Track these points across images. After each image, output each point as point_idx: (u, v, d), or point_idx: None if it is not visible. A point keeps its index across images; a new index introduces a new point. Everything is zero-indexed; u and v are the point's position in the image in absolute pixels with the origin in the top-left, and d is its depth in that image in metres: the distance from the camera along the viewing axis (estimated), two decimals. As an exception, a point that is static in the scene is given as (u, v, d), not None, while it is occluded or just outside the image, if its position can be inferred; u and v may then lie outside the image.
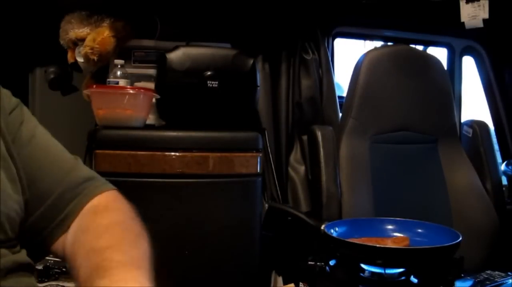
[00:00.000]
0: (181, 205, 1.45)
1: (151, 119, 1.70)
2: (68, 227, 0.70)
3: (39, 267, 1.52)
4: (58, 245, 0.71)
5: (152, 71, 1.82)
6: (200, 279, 1.47)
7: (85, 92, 1.65)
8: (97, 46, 1.73)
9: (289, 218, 1.50)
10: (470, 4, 1.75)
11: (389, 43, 2.33)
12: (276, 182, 1.88)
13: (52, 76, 1.98)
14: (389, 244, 1.16)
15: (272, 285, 1.73)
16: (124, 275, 0.57)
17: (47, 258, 1.56)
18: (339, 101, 2.10)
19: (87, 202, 0.71)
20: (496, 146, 2.08)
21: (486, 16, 1.73)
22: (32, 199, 0.69)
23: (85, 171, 0.75)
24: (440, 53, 2.33)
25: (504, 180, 1.99)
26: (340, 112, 2.06)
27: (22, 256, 0.66)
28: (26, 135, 0.70)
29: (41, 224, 0.70)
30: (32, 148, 0.70)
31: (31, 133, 0.72)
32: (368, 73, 1.73)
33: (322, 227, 1.22)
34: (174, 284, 1.50)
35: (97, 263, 0.60)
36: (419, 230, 1.25)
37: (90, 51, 1.73)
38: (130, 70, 1.77)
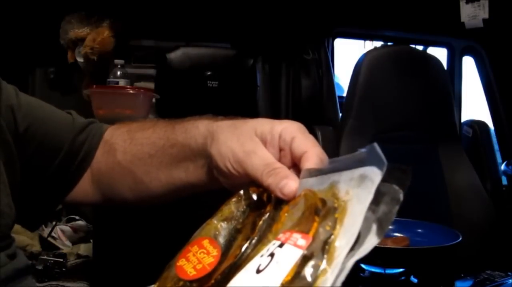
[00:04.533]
0: (181, 204, 1.45)
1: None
2: (91, 160, 0.71)
3: (39, 267, 1.52)
4: (82, 183, 0.72)
5: (152, 71, 1.82)
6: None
7: (85, 92, 1.65)
8: (97, 46, 1.74)
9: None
10: (470, 4, 1.75)
11: (389, 43, 2.34)
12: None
13: (52, 76, 1.98)
14: (389, 244, 1.16)
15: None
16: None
17: (47, 257, 1.57)
18: (339, 101, 2.10)
19: (101, 135, 0.73)
20: (496, 146, 2.08)
21: (486, 16, 1.73)
22: (44, 155, 0.69)
23: (83, 118, 0.76)
24: (440, 53, 2.33)
25: (504, 180, 1.99)
26: (340, 112, 2.06)
27: (20, 260, 0.66)
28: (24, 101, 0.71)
29: (60, 173, 0.70)
30: (33, 109, 0.71)
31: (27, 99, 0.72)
32: (368, 73, 1.73)
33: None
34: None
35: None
36: (419, 230, 1.24)
37: (90, 51, 1.74)
38: (130, 70, 1.77)
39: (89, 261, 1.62)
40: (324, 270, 0.36)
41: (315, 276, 0.36)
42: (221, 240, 0.47)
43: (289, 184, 0.47)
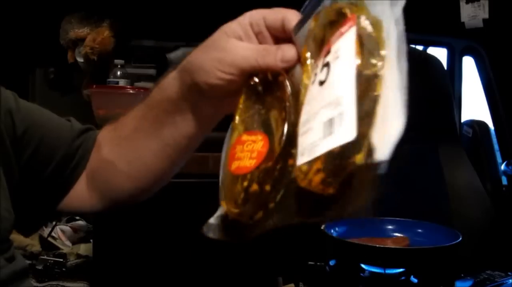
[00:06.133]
0: (180, 205, 1.45)
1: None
2: (86, 163, 0.72)
3: (39, 267, 1.52)
4: (79, 185, 0.72)
5: (152, 71, 1.82)
6: (201, 278, 1.47)
7: (85, 92, 1.65)
8: (97, 46, 1.74)
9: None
10: (470, 4, 1.75)
11: (389, 43, 2.33)
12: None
13: (52, 76, 1.98)
14: (389, 244, 1.16)
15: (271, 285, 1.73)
16: None
17: (47, 257, 1.57)
18: (339, 101, 2.09)
19: (95, 139, 0.74)
20: (496, 146, 2.08)
21: (486, 16, 1.73)
22: (40, 159, 0.69)
23: (81, 125, 0.77)
24: (440, 53, 2.33)
25: (504, 180, 1.99)
26: (340, 112, 2.06)
27: (19, 263, 0.66)
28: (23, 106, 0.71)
29: (55, 177, 0.70)
30: (31, 112, 0.71)
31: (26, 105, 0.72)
32: (368, 73, 1.73)
33: (322, 227, 1.22)
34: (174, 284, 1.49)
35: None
36: (419, 230, 1.25)
37: (90, 51, 1.74)
38: (130, 70, 1.77)
39: (89, 261, 1.62)
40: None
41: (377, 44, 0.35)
42: (255, 126, 0.45)
43: (286, 50, 0.46)
